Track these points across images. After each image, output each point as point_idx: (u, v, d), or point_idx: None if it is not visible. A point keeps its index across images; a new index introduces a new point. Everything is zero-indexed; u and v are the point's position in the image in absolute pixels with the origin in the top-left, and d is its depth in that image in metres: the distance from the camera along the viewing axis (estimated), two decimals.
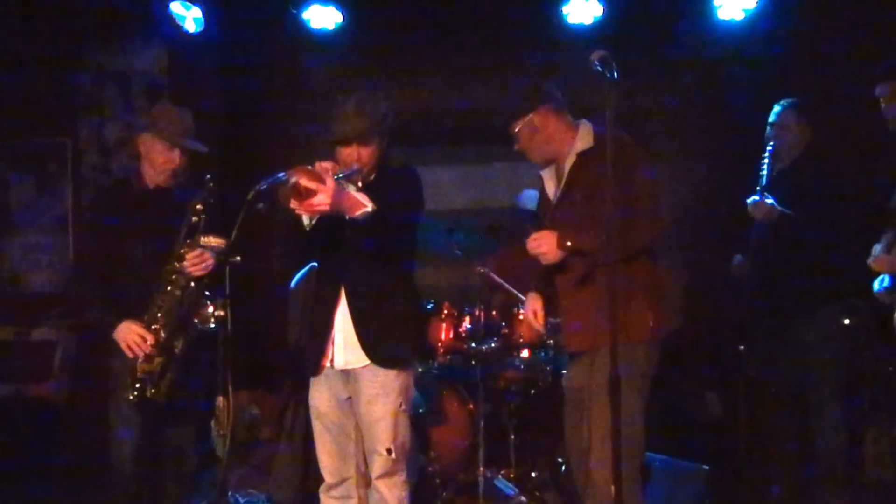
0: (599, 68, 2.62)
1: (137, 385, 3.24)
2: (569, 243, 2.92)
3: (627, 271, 2.88)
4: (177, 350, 3.25)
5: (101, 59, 5.61)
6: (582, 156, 3.05)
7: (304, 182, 2.61)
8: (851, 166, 4.32)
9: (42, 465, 4.63)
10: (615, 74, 2.62)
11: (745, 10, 5.13)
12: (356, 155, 3.02)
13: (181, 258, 3.23)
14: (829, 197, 3.85)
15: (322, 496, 3.23)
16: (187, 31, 5.18)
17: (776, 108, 4.05)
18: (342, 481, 3.19)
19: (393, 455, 3.07)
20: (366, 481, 3.19)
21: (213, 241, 3.04)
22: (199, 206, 3.23)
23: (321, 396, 3.18)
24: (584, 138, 3.08)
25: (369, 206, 2.80)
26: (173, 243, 3.27)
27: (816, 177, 3.92)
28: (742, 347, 4.37)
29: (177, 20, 5.11)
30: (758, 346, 4.21)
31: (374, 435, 3.08)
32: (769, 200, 3.81)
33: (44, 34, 5.51)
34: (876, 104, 3.57)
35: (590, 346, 2.94)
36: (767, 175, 3.91)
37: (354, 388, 3.11)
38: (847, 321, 3.96)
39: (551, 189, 3.19)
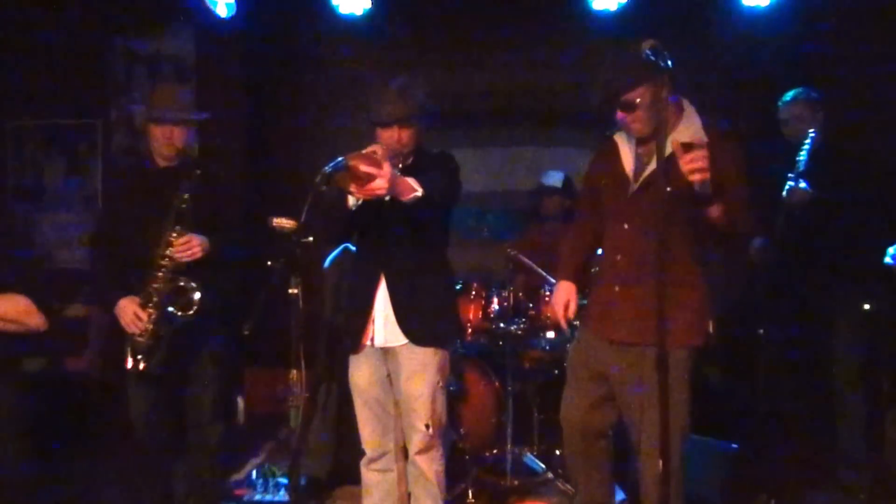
0: (652, 57, 2.52)
1: (136, 357, 3.36)
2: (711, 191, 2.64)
3: (698, 273, 2.91)
4: (162, 332, 3.35)
5: (131, 42, 5.72)
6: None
7: (363, 167, 2.67)
8: (877, 152, 4.35)
9: (76, 436, 4.73)
10: (669, 63, 2.52)
11: None
12: (397, 137, 3.07)
13: (169, 244, 3.33)
14: (855, 183, 3.87)
15: (363, 469, 3.32)
16: (219, 17, 5.20)
17: (780, 105, 4.07)
18: (382, 455, 3.28)
19: (430, 430, 3.15)
20: (405, 455, 3.27)
21: (284, 222, 3.10)
22: (185, 196, 3.34)
23: (362, 374, 3.25)
24: (695, 123, 2.90)
25: (420, 191, 2.85)
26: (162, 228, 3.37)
27: (844, 163, 3.95)
28: (762, 331, 4.41)
29: (209, 5, 5.13)
30: (778, 329, 4.21)
31: (413, 411, 3.15)
32: (802, 185, 3.85)
33: (75, 17, 5.60)
34: None
35: (640, 340, 2.85)
36: (804, 161, 3.91)
37: (394, 365, 3.19)
38: (868, 306, 4.02)
39: (629, 161, 2.99)
